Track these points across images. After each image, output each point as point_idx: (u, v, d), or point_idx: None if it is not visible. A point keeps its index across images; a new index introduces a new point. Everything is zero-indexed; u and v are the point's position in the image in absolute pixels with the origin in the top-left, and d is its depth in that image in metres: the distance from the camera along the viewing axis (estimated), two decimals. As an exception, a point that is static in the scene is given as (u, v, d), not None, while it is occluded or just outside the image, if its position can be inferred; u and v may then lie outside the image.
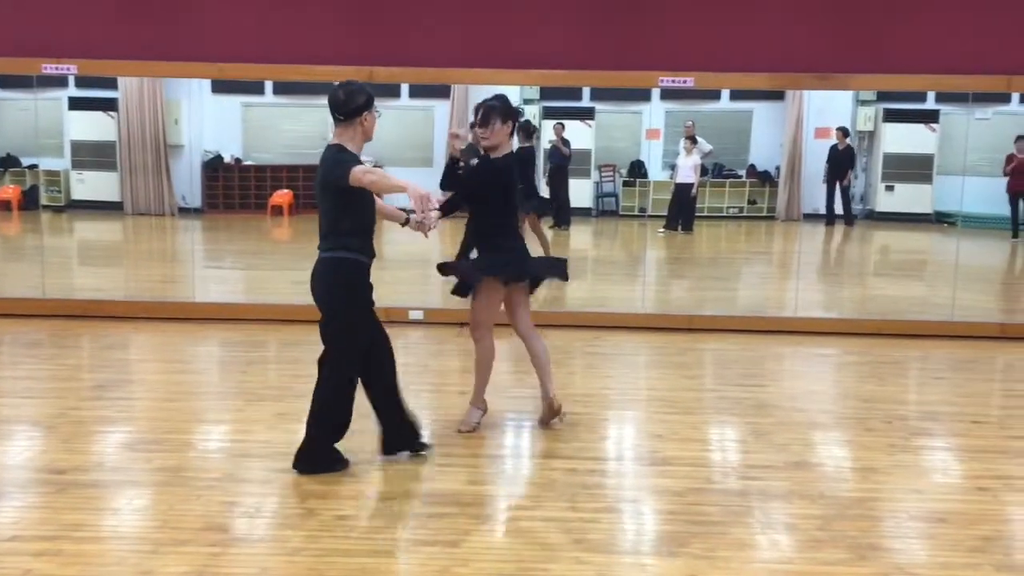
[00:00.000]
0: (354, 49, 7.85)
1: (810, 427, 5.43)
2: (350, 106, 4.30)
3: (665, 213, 15.98)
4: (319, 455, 4.43)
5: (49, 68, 7.71)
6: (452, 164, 5.03)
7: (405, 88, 17.72)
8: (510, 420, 5.51)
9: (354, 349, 4.44)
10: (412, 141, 16.24)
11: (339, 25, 7.89)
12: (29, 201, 17.00)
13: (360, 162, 4.22)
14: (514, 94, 17.95)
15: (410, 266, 12.14)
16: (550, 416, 5.20)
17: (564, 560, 3.56)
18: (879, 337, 7.78)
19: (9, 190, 16.99)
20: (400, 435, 4.66)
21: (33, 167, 17.73)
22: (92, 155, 17.28)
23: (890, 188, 16.78)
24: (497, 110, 4.86)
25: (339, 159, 4.22)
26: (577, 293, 10.45)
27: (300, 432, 5.24)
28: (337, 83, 4.37)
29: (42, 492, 4.15)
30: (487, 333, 5.11)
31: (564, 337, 7.57)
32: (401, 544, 3.73)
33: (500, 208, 4.97)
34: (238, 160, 17.99)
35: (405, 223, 4.76)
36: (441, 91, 17.78)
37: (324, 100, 15.41)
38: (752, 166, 17.78)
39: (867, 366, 7.00)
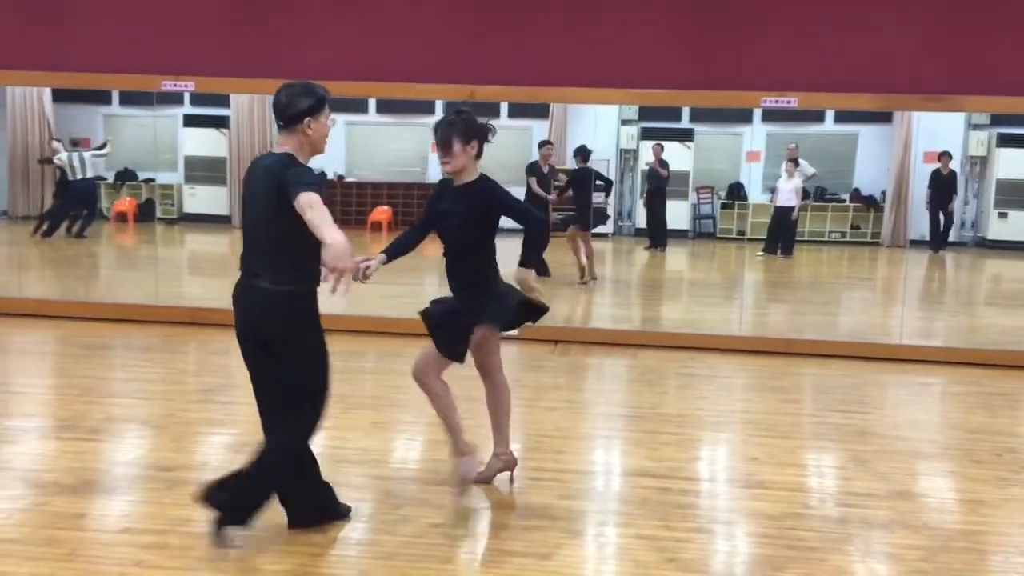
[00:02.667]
0: (456, 67, 7.97)
1: (914, 456, 5.26)
2: (290, 111, 3.59)
3: (764, 236, 15.73)
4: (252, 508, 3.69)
5: (168, 85, 8.08)
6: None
7: (504, 107, 17.93)
8: (600, 436, 5.50)
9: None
10: (509, 161, 16.36)
11: (442, 43, 8.04)
12: (144, 213, 17.78)
13: (317, 184, 3.48)
14: (612, 114, 18.03)
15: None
16: (500, 472, 4.52)
17: (656, 578, 3.53)
18: (989, 368, 7.49)
19: (126, 203, 17.80)
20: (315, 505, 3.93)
21: (149, 181, 18.54)
22: (204, 170, 17.99)
23: (1003, 215, 16.15)
24: (456, 128, 4.11)
25: (299, 172, 3.49)
26: (672, 314, 10.37)
27: (396, 440, 5.36)
28: (283, 84, 3.69)
29: (151, 488, 4.32)
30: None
31: (657, 357, 7.52)
32: (494, 554, 3.76)
33: (475, 244, 4.32)
34: (340, 177, 18.48)
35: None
36: (540, 111, 17.92)
37: (427, 119, 15.85)
38: (856, 190, 17.36)
39: (976, 396, 6.74)
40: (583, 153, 12.09)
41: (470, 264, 4.32)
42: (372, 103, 18.15)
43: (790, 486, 4.66)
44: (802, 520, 4.20)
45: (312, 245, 3.38)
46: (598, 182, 12.70)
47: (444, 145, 4.12)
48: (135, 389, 6.21)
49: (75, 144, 15.56)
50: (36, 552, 3.53)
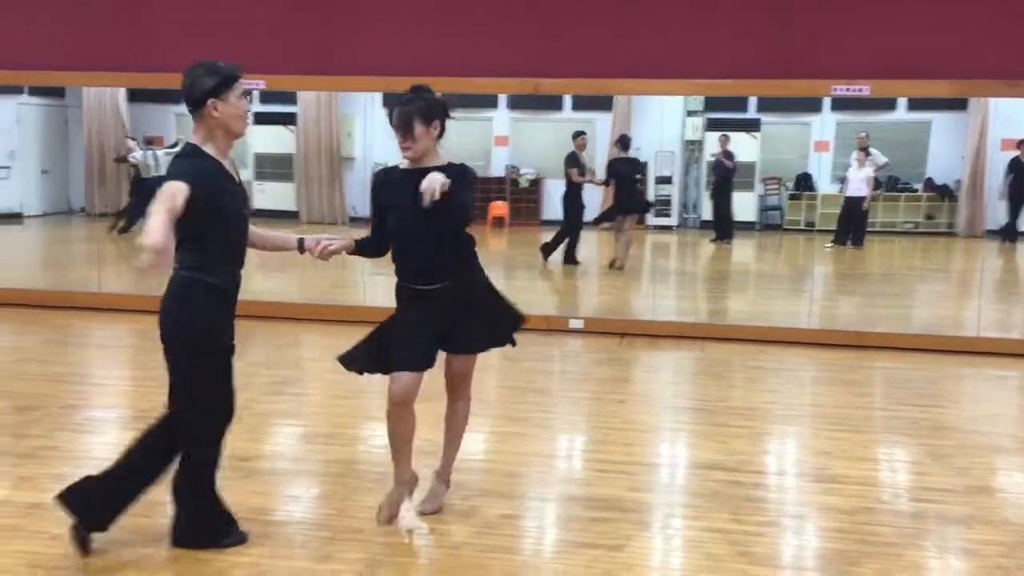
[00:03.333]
0: (519, 60, 7.98)
1: (992, 451, 5.12)
2: (193, 93, 3.31)
3: (834, 228, 15.45)
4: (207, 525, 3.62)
5: (246, 84, 8.23)
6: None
7: (568, 100, 17.89)
8: (668, 429, 5.48)
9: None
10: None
11: (504, 37, 8.05)
12: (215, 210, 18.17)
13: (187, 178, 3.21)
14: (678, 105, 17.86)
15: (570, 275, 12.23)
16: (441, 494, 4.08)
17: (728, 571, 3.51)
18: (1071, 360, 7.26)
19: (197, 199, 18.20)
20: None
21: (220, 178, 18.91)
22: (272, 166, 18.31)
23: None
24: (416, 110, 3.67)
25: (174, 164, 3.33)
26: (739, 306, 10.26)
27: (467, 431, 5.40)
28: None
29: (230, 477, 4.41)
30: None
31: (724, 350, 7.46)
32: (563, 545, 3.77)
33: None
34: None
35: (302, 251, 3.84)
36: (603, 103, 17.83)
37: (490, 113, 15.87)
38: (930, 180, 16.93)
39: (1057, 391, 6.55)
40: (624, 142, 12.33)
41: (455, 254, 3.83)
42: (436, 98, 18.21)
43: (863, 480, 4.59)
44: (876, 515, 4.13)
45: (216, 238, 3.35)
46: (637, 175, 12.81)
47: (404, 128, 3.66)
48: (210, 381, 6.35)
49: (149, 143, 15.96)
50: (127, 538, 3.64)
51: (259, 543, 3.69)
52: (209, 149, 3.34)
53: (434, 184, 3.47)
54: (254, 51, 8.27)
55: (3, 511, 3.91)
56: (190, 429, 3.51)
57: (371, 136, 18.55)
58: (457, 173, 3.68)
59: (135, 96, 18.12)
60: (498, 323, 4.00)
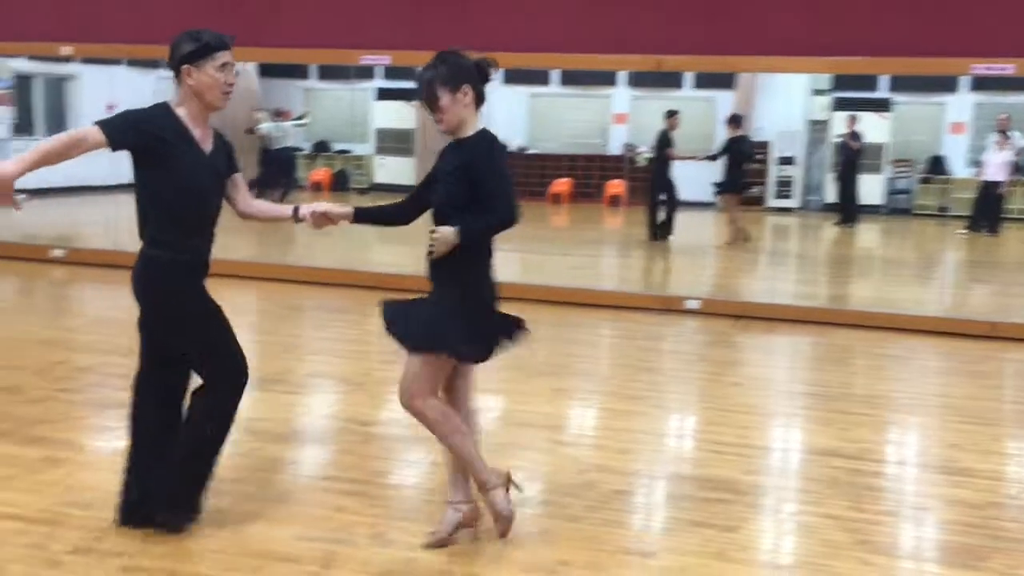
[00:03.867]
0: (641, 36, 7.89)
1: None
2: (173, 57, 3.25)
3: (968, 213, 14.79)
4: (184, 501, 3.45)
5: (367, 59, 8.43)
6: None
7: (688, 78, 17.59)
8: (785, 414, 5.39)
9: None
10: (692, 132, 16.10)
11: (626, 12, 7.97)
12: (338, 183, 18.66)
13: (106, 123, 3.11)
14: (803, 84, 17.33)
15: (686, 253, 12.10)
16: (457, 527, 3.46)
17: (847, 559, 3.44)
18: None
19: (321, 173, 18.75)
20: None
21: (343, 152, 19.41)
22: (393, 142, 18.66)
23: None
24: (440, 77, 3.26)
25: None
26: (863, 292, 9.95)
27: (577, 407, 5.44)
28: None
29: (351, 440, 4.59)
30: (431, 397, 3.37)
31: (846, 336, 7.26)
32: (678, 524, 3.77)
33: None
34: (522, 148, 18.71)
35: (298, 220, 3.63)
36: (725, 81, 17.48)
37: (609, 90, 15.80)
38: (1074, 164, 15.99)
39: None
40: (736, 121, 12.33)
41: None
42: (555, 75, 18.23)
43: (993, 475, 4.41)
44: (1006, 510, 3.97)
45: (168, 204, 3.24)
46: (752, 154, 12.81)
47: (430, 100, 3.27)
48: (332, 348, 6.57)
49: (277, 115, 16.49)
50: (252, 493, 3.83)
51: (378, 504, 3.81)
52: (180, 112, 3.27)
53: (441, 248, 3.23)
54: (380, 27, 8.44)
55: (144, 461, 4.15)
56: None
57: (489, 112, 18.66)
58: (481, 155, 3.27)
59: (266, 71, 18.74)
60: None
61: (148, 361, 3.46)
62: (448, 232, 3.19)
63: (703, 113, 16.93)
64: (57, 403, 4.93)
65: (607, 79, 17.59)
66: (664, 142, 12.09)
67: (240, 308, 8.09)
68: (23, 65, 15.13)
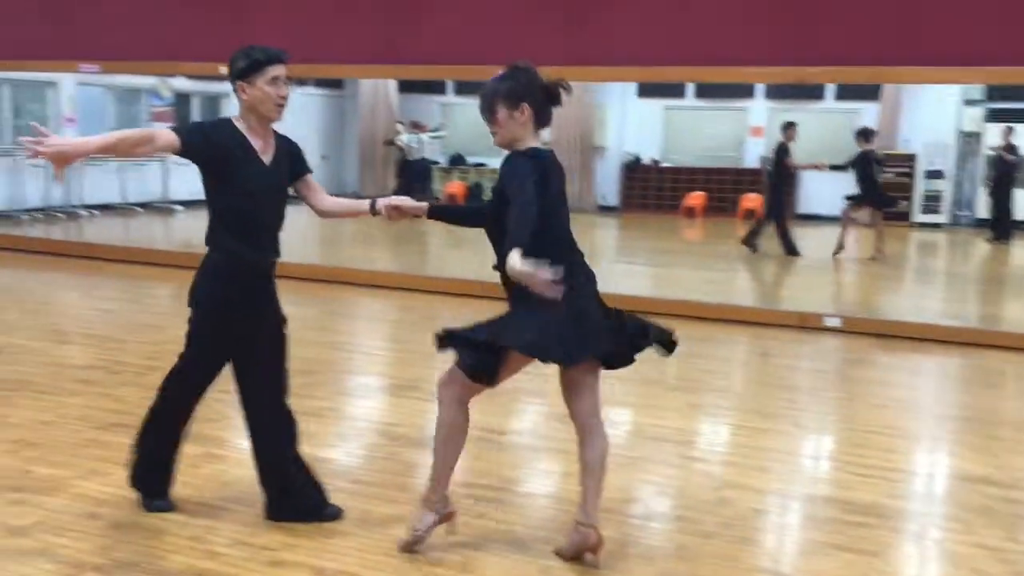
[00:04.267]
0: (781, 48, 7.74)
1: None
2: (229, 73, 3.46)
3: None
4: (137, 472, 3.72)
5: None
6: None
7: (830, 89, 17.11)
8: (933, 437, 5.17)
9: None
10: (834, 145, 15.65)
11: (764, 24, 7.84)
12: (473, 196, 18.99)
13: (182, 131, 3.39)
14: (954, 94, 16.58)
15: (828, 269, 11.76)
16: (578, 550, 3.38)
17: (1000, 591, 3.29)
18: None
19: (456, 185, 19.12)
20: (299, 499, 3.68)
21: (479, 166, 19.74)
22: (526, 155, 18.82)
23: None
24: (501, 92, 3.26)
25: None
26: (1018, 313, 9.45)
27: (713, 423, 5.39)
28: None
29: (484, 448, 4.67)
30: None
31: (998, 358, 6.95)
32: (818, 546, 3.68)
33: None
34: (656, 162, 18.60)
35: (374, 213, 3.65)
36: (869, 92, 16.92)
37: (745, 103, 15.58)
38: None
39: None
40: (866, 135, 12.11)
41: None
42: (690, 87, 18.04)
43: None
44: None
45: (230, 212, 3.43)
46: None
47: (488, 112, 3.28)
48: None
49: (415, 127, 16.91)
50: (393, 495, 3.96)
51: (514, 512, 3.88)
52: (240, 125, 3.46)
53: (527, 280, 2.97)
54: (518, 41, 8.57)
55: (291, 461, 4.34)
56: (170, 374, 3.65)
57: (622, 126, 18.66)
58: (508, 167, 3.24)
59: (404, 87, 19.28)
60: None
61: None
62: (513, 262, 2.95)
63: (845, 125, 16.42)
64: (215, 403, 5.19)
65: (744, 91, 17.28)
66: (783, 154, 11.90)
67: (378, 316, 8.37)
68: (183, 84, 16.08)
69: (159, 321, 7.24)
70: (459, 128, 19.44)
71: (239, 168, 3.42)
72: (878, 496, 4.16)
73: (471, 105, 19.11)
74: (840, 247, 12.01)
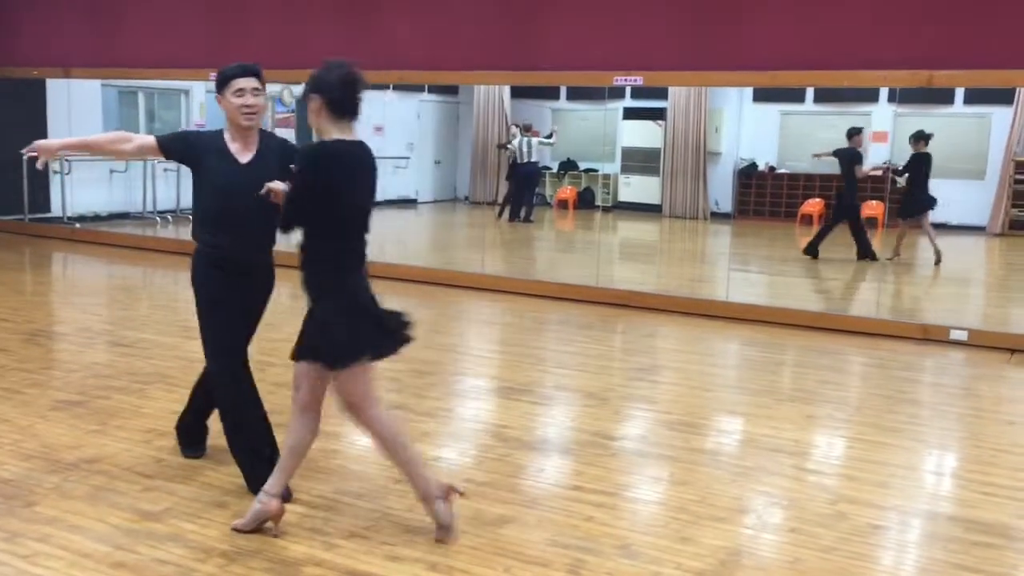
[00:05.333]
0: (910, 51, 7.49)
1: None
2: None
3: None
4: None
5: (619, 80, 8.57)
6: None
7: (959, 93, 16.44)
8: (1071, 460, 4.92)
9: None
10: (963, 151, 15.03)
11: (892, 27, 7.60)
12: (583, 201, 19.00)
13: (165, 136, 4.00)
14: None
15: (953, 282, 11.32)
16: (258, 518, 3.54)
17: None
18: None
19: (567, 191, 19.15)
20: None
21: (589, 171, 19.73)
22: (639, 161, 18.75)
23: None
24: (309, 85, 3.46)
25: None
26: None
27: (828, 435, 5.26)
28: None
29: (596, 453, 4.68)
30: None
31: None
32: (938, 564, 3.55)
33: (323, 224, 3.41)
34: (772, 168, 18.20)
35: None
36: (1002, 96, 16.18)
37: (868, 108, 15.09)
38: None
39: None
40: (922, 138, 11.90)
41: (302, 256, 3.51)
42: (809, 92, 17.61)
43: None
44: None
45: (203, 208, 3.91)
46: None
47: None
48: (578, 362, 6.72)
49: (526, 130, 16.93)
50: (505, 496, 4.01)
51: (625, 517, 3.88)
52: (226, 131, 3.90)
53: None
54: (633, 47, 8.55)
55: (406, 459, 4.45)
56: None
57: (737, 131, 18.35)
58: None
59: (516, 93, 19.42)
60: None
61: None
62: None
63: (975, 130, 15.75)
64: (332, 401, 5.38)
65: (866, 96, 16.74)
66: (857, 160, 11.80)
67: (489, 320, 8.47)
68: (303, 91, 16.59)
69: (275, 320, 7.50)
70: (570, 133, 19.47)
71: (212, 167, 3.85)
72: (1005, 516, 3.99)
73: (583, 111, 19.14)
74: (896, 253, 12.03)
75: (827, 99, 17.47)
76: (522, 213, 16.12)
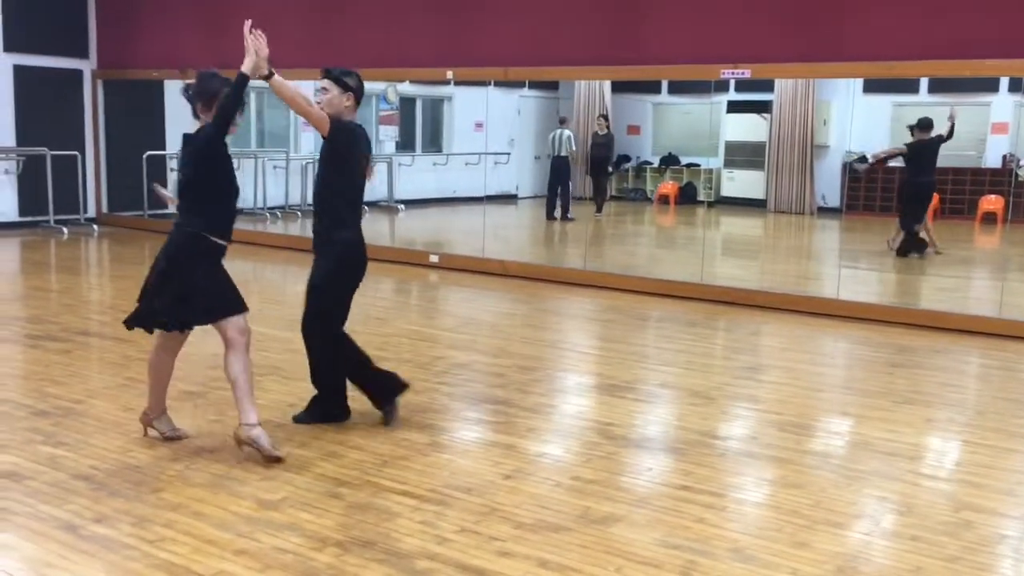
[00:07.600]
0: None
1: None
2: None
3: None
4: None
5: (727, 73, 8.42)
6: None
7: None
8: None
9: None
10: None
11: (1015, 13, 7.24)
12: (684, 196, 18.77)
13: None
14: None
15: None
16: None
17: None
18: None
19: (668, 186, 18.94)
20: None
21: (691, 166, 19.47)
22: (743, 155, 18.40)
23: None
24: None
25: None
26: None
27: (950, 440, 5.06)
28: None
29: (705, 452, 4.61)
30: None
31: None
32: (1073, 579, 3.39)
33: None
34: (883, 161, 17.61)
35: None
36: None
37: (987, 98, 14.54)
38: None
39: None
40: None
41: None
42: (923, 81, 16.97)
43: None
44: None
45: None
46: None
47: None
48: (683, 360, 6.63)
49: (562, 122, 16.66)
50: (613, 494, 3.98)
51: (736, 519, 3.81)
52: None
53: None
54: (741, 40, 8.38)
55: (514, 457, 4.46)
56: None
57: (846, 123, 17.81)
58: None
59: (617, 87, 19.26)
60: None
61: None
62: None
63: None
64: (439, 395, 5.45)
65: (986, 85, 16.04)
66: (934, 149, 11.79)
67: (590, 316, 8.43)
68: (407, 88, 16.86)
69: (384, 314, 7.64)
70: (672, 128, 19.24)
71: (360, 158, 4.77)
72: None
73: (685, 104, 18.86)
74: (933, 244, 11.97)
75: (943, 89, 16.80)
76: (558, 211, 15.59)
